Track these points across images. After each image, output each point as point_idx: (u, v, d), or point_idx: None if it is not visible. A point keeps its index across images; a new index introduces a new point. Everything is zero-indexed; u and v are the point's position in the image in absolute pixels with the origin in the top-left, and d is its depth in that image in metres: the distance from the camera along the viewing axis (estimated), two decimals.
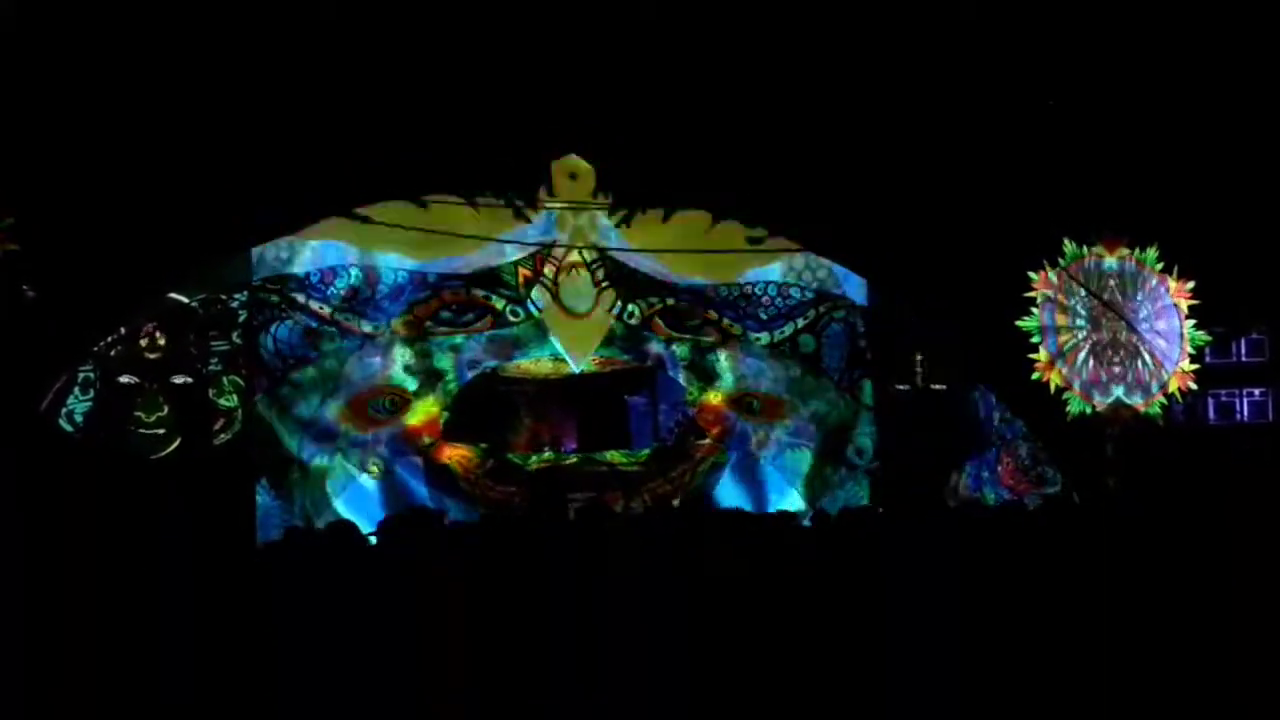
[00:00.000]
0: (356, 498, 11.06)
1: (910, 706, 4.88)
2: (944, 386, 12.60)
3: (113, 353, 10.41)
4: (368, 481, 11.11)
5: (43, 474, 8.51)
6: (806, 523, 8.79)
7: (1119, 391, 12.12)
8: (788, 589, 5.05)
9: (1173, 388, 12.31)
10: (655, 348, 12.16)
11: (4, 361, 9.28)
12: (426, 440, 11.37)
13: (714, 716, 4.83)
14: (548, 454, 11.95)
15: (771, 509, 11.23)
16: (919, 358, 12.55)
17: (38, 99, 9.46)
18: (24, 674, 4.56)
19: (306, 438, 10.99)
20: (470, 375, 11.63)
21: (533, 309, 11.76)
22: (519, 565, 5.08)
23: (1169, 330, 12.37)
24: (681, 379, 12.26)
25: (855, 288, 12.76)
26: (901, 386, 12.57)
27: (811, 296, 12.58)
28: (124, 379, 10.40)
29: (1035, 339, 12.02)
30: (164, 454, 10.43)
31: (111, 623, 4.90)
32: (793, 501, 12.08)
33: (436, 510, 7.61)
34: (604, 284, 11.92)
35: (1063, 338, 12.08)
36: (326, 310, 11.17)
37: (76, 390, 10.25)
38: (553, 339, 11.81)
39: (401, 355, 11.38)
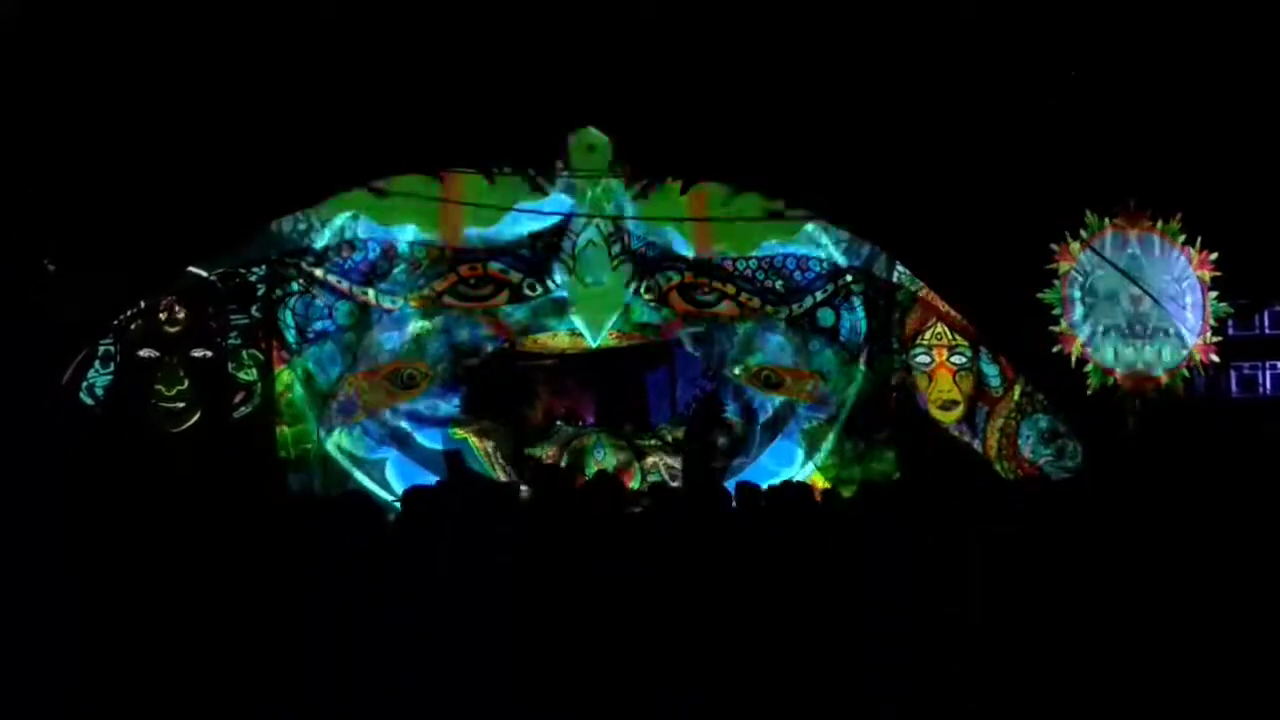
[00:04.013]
0: (376, 471, 11.13)
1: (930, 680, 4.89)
2: (965, 358, 12.54)
3: (133, 326, 10.47)
4: (387, 454, 11.17)
5: (68, 446, 8.62)
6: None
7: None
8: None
9: (1195, 360, 12.23)
10: (673, 322, 12.12)
11: (25, 335, 9.34)
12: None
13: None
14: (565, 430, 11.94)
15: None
16: (938, 328, 12.50)
17: (56, 74, 9.48)
18: (59, 641, 4.63)
19: (325, 412, 11.05)
20: (488, 349, 11.65)
21: (550, 283, 11.74)
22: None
23: (1191, 302, 12.27)
24: (698, 354, 12.24)
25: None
26: (923, 360, 12.51)
27: (830, 270, 12.51)
28: (144, 353, 10.46)
29: (1056, 311, 11.93)
30: (184, 427, 10.50)
31: (139, 593, 4.96)
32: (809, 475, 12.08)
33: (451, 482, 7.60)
34: (621, 258, 11.89)
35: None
36: (345, 284, 11.20)
37: (97, 364, 10.32)
38: (570, 313, 11.79)
39: (419, 329, 11.40)
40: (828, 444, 12.31)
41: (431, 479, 11.01)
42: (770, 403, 12.28)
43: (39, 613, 4.82)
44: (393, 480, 11.07)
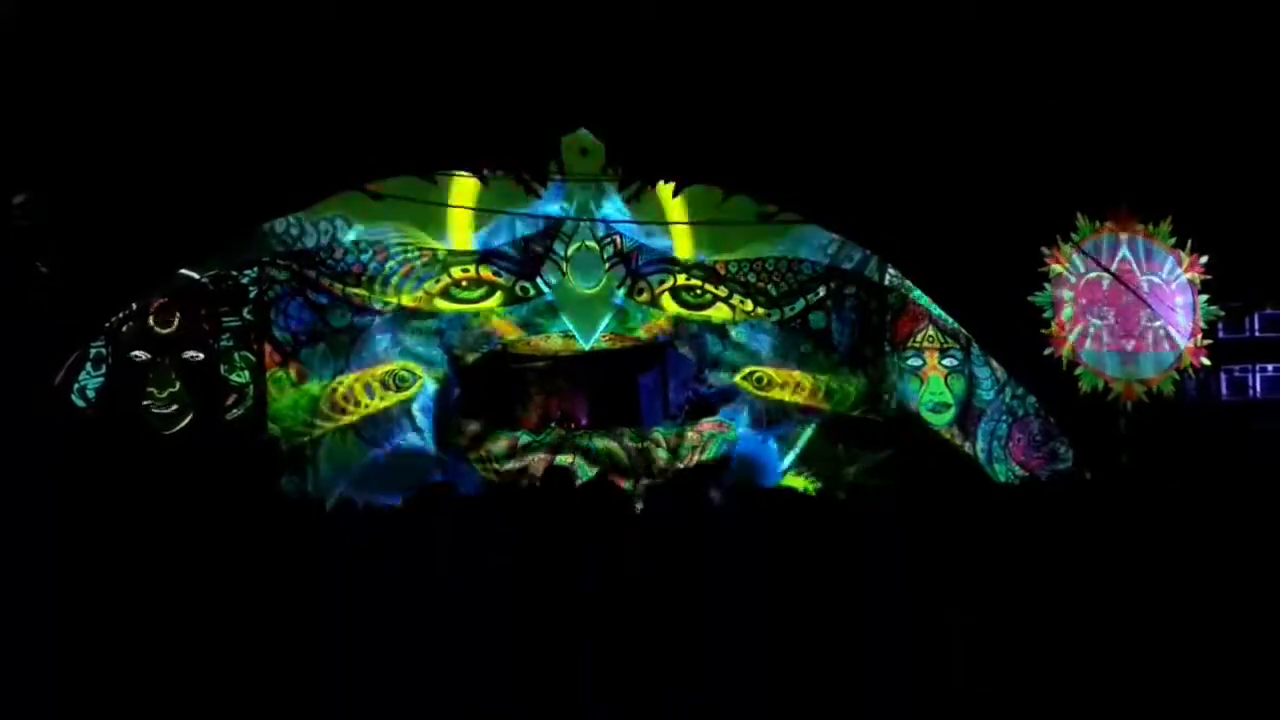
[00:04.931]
0: (368, 473, 11.11)
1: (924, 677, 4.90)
2: (956, 360, 12.60)
3: (124, 329, 10.43)
4: (380, 457, 11.17)
5: (60, 448, 8.58)
6: None
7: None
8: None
9: (1185, 363, 12.26)
10: (665, 324, 12.14)
11: (17, 337, 9.30)
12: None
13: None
14: (557, 431, 11.93)
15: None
16: (929, 330, 12.55)
17: (49, 76, 9.45)
18: (50, 644, 4.61)
19: (317, 414, 11.04)
20: (480, 351, 11.66)
21: (542, 285, 11.75)
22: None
23: (1182, 305, 12.31)
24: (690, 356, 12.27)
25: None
26: (915, 363, 12.56)
27: (822, 272, 12.54)
28: (136, 355, 10.43)
29: (1047, 314, 11.97)
30: (176, 429, 10.47)
31: (132, 596, 4.94)
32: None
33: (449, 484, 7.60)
34: (613, 260, 11.91)
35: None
36: (337, 286, 11.20)
37: (89, 366, 10.28)
38: (562, 316, 11.80)
39: (412, 331, 11.40)
40: (802, 441, 12.31)
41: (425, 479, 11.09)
42: (759, 405, 12.30)
43: (30, 615, 4.80)
44: (389, 478, 11.06)
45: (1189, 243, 12.43)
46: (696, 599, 4.84)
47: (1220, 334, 13.05)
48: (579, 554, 4.95)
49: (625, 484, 11.30)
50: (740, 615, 4.79)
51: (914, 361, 12.63)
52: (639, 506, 7.40)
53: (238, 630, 4.77)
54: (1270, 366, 14.57)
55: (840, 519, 5.23)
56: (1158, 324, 12.24)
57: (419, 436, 11.36)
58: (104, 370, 10.31)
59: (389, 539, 5.04)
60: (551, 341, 11.93)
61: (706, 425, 12.16)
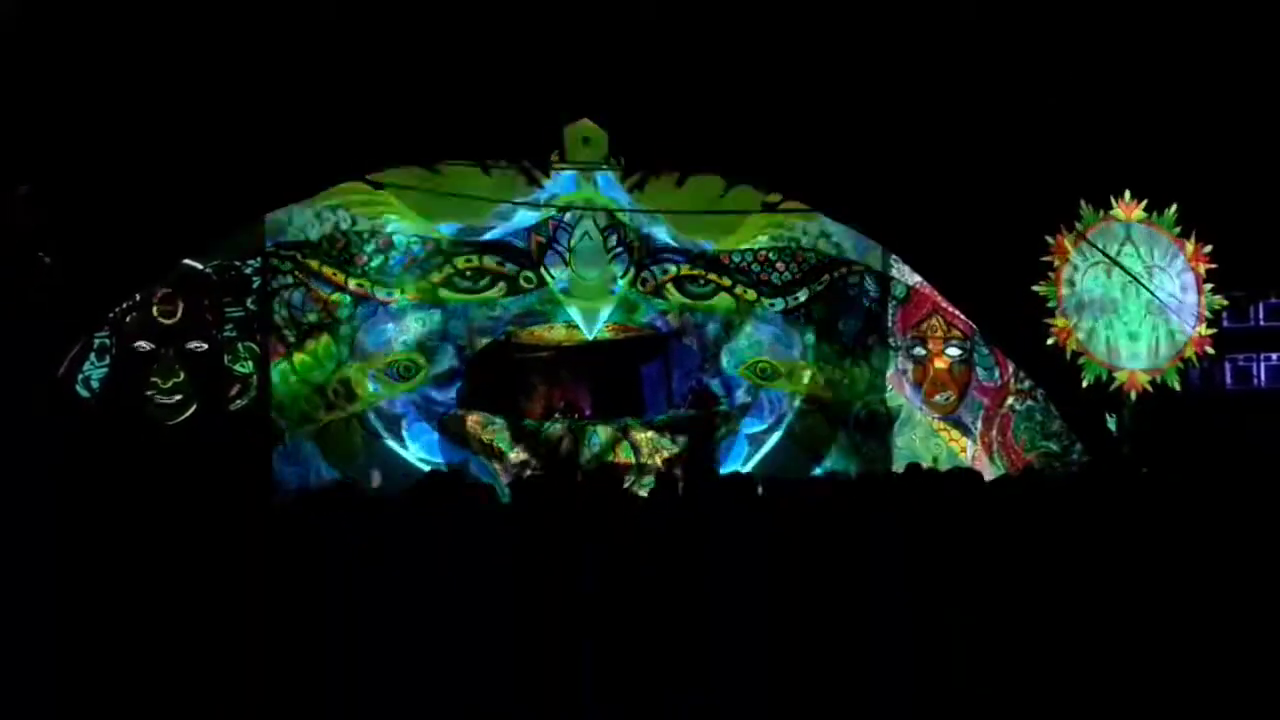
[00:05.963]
0: (370, 462, 11.15)
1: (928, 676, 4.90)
2: (961, 351, 12.59)
3: (128, 319, 10.47)
4: (382, 446, 11.21)
5: (62, 440, 8.60)
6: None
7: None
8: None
9: (1189, 353, 12.22)
10: (669, 314, 12.14)
11: (21, 328, 9.31)
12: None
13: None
14: (562, 420, 11.96)
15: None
16: (933, 320, 12.54)
17: (52, 67, 9.44)
18: (51, 637, 4.62)
19: (320, 403, 11.07)
20: (484, 342, 11.67)
21: (545, 275, 11.75)
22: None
23: (1186, 294, 12.27)
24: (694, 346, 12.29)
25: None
26: (918, 351, 12.56)
27: (825, 261, 12.52)
28: (140, 345, 10.46)
29: (1051, 304, 11.93)
30: (180, 420, 10.50)
31: (133, 588, 4.94)
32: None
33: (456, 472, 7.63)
34: (617, 250, 11.90)
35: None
36: (340, 276, 11.21)
37: (93, 356, 10.33)
38: (566, 305, 11.81)
39: (415, 321, 11.42)
40: (820, 434, 12.33)
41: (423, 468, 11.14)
42: (762, 394, 12.31)
43: (32, 608, 4.81)
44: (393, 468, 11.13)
45: (1194, 231, 12.37)
46: (696, 599, 4.85)
47: (1225, 323, 12.99)
48: (579, 554, 4.95)
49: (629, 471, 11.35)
50: (740, 615, 4.79)
51: (918, 350, 12.62)
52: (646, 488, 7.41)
53: (236, 628, 4.77)
54: (1275, 356, 14.47)
55: (840, 519, 5.23)
56: (1162, 313, 12.19)
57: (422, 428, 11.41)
58: (108, 361, 10.36)
59: (389, 538, 5.04)
60: (555, 331, 11.95)
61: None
